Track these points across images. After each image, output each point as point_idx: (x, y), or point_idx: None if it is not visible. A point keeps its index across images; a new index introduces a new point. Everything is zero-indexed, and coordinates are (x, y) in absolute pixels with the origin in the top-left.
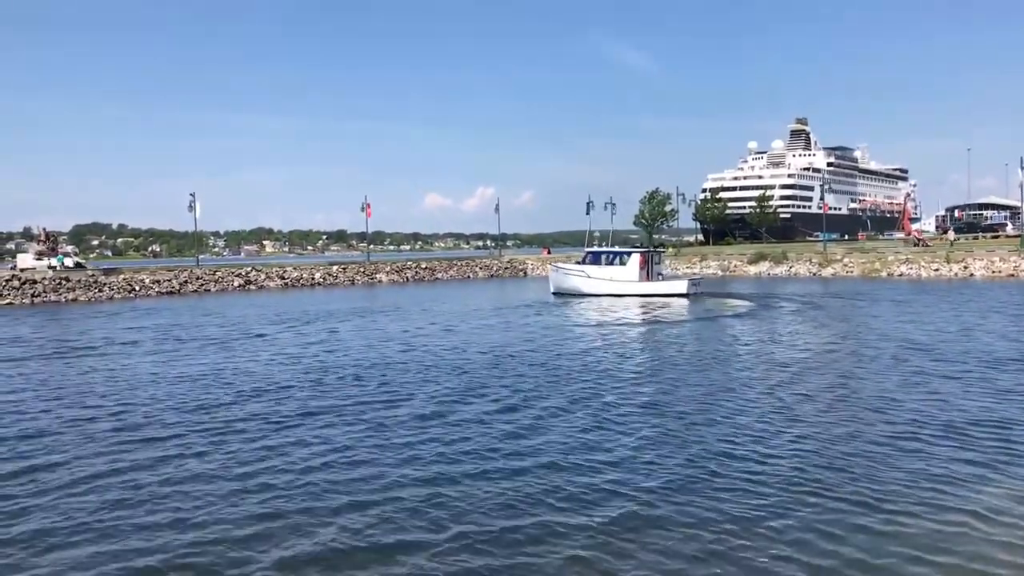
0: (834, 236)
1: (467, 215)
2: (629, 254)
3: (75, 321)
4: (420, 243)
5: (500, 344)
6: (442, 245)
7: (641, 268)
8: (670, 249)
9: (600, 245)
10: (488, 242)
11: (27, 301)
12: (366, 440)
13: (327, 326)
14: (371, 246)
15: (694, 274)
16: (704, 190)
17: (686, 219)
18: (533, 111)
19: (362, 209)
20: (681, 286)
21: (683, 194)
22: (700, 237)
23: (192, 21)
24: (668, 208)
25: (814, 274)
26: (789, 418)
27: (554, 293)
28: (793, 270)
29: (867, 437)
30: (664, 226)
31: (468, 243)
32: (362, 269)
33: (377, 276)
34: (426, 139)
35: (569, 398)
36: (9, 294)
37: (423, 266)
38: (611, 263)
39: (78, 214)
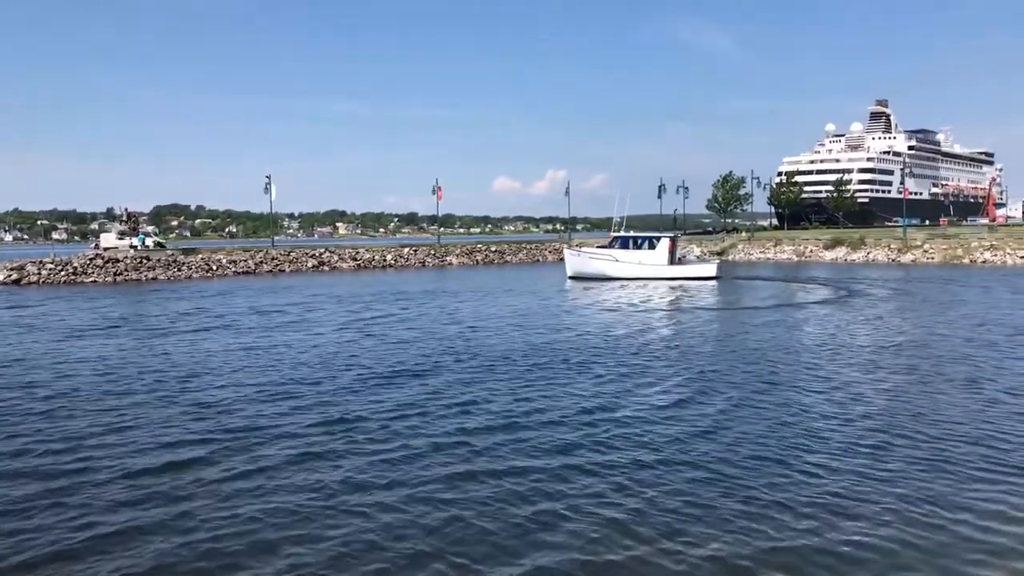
0: (914, 222)
1: (537, 198)
2: (659, 238)
3: (183, 299)
4: (490, 226)
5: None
6: (511, 229)
7: (670, 252)
8: (743, 233)
9: (622, 230)
10: (558, 226)
11: (110, 279)
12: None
13: (438, 303)
14: (441, 229)
15: (715, 258)
16: (779, 173)
17: (760, 203)
18: (606, 94)
19: (433, 192)
20: (710, 270)
21: (757, 178)
22: (774, 221)
23: (266, 8)
24: (742, 192)
25: (892, 260)
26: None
27: (571, 277)
28: (871, 256)
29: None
30: (738, 210)
31: (538, 227)
32: (433, 251)
33: (448, 259)
34: (497, 122)
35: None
36: (93, 272)
37: (493, 249)
38: (640, 247)
39: (158, 195)
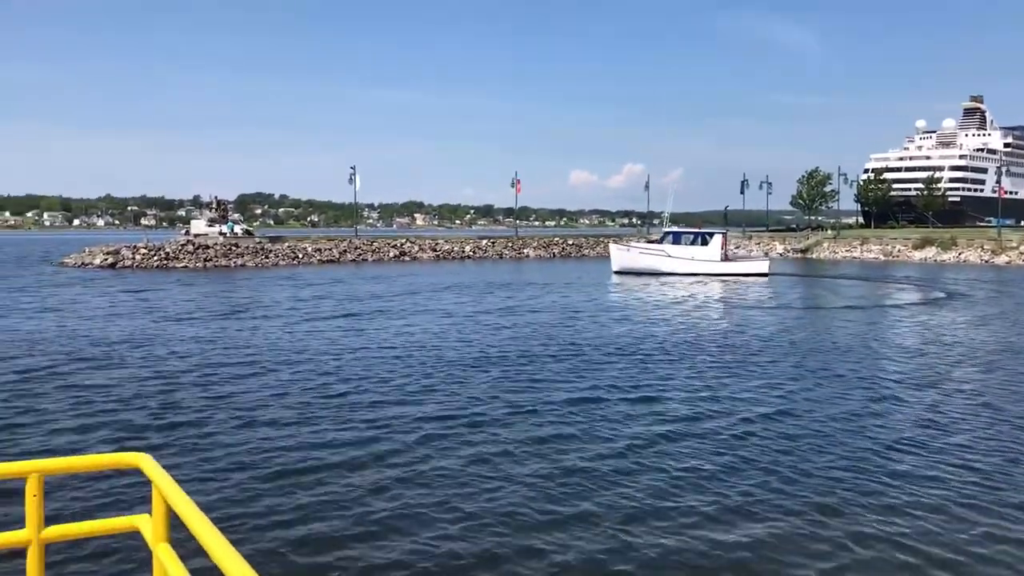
0: (1008, 222)
1: (613, 192)
2: (712, 235)
3: (297, 285)
4: (565, 219)
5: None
6: (587, 222)
7: (722, 248)
8: (828, 231)
9: (668, 225)
10: (635, 220)
11: (200, 265)
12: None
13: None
14: (517, 222)
15: (766, 255)
16: (866, 170)
17: (846, 201)
18: (684, 88)
19: (512, 185)
20: (763, 266)
21: (844, 174)
22: (860, 219)
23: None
24: (828, 188)
25: (985, 262)
26: None
27: (617, 272)
28: (963, 257)
29: None
30: (823, 207)
31: (613, 220)
32: (510, 243)
33: (525, 251)
34: (573, 116)
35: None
36: (184, 258)
37: (570, 242)
38: (693, 243)
39: (243, 184)
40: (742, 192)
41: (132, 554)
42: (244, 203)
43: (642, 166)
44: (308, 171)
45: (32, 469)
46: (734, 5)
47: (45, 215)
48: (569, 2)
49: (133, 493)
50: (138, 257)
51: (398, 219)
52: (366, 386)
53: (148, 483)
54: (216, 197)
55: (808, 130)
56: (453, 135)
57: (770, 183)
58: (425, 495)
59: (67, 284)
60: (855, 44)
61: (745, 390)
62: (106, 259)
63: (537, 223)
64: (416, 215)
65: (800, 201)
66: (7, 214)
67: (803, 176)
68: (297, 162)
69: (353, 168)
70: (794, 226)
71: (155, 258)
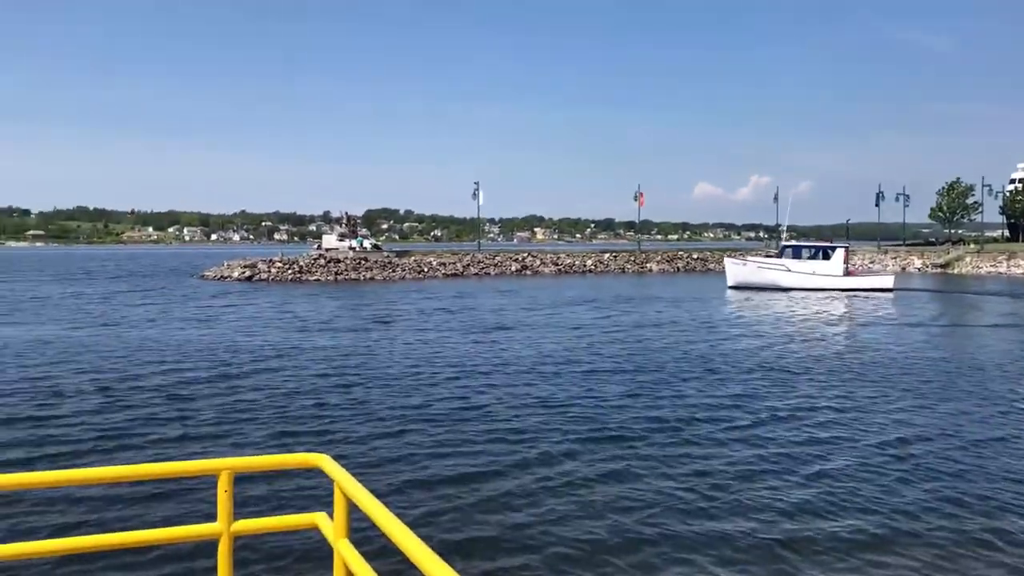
0: None
1: (738, 205)
2: (833, 248)
3: (431, 298)
4: (688, 233)
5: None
6: (711, 236)
7: (844, 262)
8: (971, 245)
9: (788, 239)
10: (762, 233)
11: (331, 278)
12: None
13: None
14: (639, 235)
15: (903, 270)
16: (1012, 180)
17: (990, 213)
18: (812, 98)
19: (635, 198)
20: (887, 281)
21: (989, 185)
22: (1006, 233)
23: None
24: (970, 200)
25: None
26: None
27: (732, 287)
28: None
29: None
30: (964, 220)
31: (739, 234)
32: (632, 257)
33: (647, 265)
34: (698, 128)
35: None
36: (317, 271)
37: (695, 256)
38: (813, 257)
39: (370, 199)
40: (877, 204)
41: (312, 550)
42: (371, 218)
43: (769, 178)
44: (432, 187)
45: (223, 467)
46: (862, 11)
47: (185, 230)
48: (689, 12)
49: (308, 492)
50: (273, 271)
51: (519, 233)
52: (507, 397)
53: (320, 483)
54: (346, 213)
55: (947, 140)
56: (573, 148)
57: (907, 195)
58: (578, 507)
59: (213, 296)
60: (997, 49)
61: (895, 409)
62: (244, 272)
63: (659, 236)
64: (536, 229)
65: (940, 214)
66: (151, 229)
67: (943, 188)
68: (422, 178)
69: (476, 183)
70: (932, 240)
71: (289, 272)
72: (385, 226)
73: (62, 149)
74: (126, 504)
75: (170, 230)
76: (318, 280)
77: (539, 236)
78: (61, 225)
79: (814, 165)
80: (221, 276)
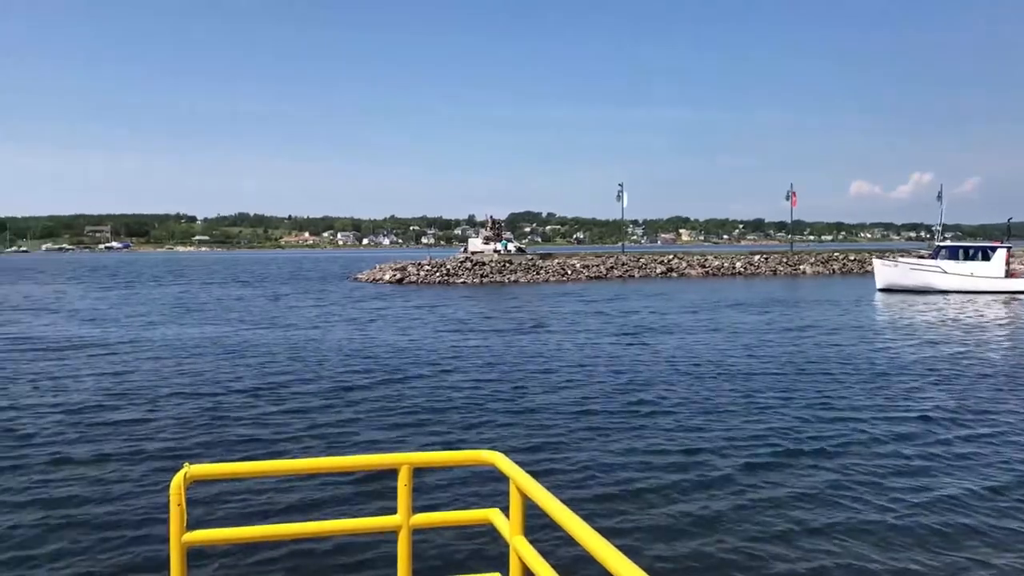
0: None
1: (896, 204)
2: (994, 249)
3: (583, 300)
4: (843, 233)
5: None
6: (868, 236)
7: (1006, 264)
8: None
9: (945, 239)
10: (923, 233)
11: (477, 281)
12: None
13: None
14: (790, 236)
15: None
16: None
17: None
18: (987, 90)
19: (787, 198)
20: None
21: None
22: None
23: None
24: None
25: None
26: None
27: (882, 290)
28: None
29: None
30: None
31: (899, 234)
32: (784, 259)
33: (800, 267)
34: (853, 124)
35: None
36: (463, 274)
37: (851, 257)
38: (971, 258)
39: (513, 203)
40: None
41: (485, 546)
42: (514, 221)
43: (931, 175)
44: (574, 189)
45: (403, 461)
46: None
47: (338, 235)
48: (836, 11)
49: (477, 488)
50: (422, 273)
51: (663, 235)
52: (671, 400)
53: (491, 479)
54: (491, 216)
55: None
56: (719, 149)
57: None
58: (778, 525)
59: (368, 299)
60: None
61: None
62: (394, 275)
63: (812, 237)
64: (681, 231)
65: None
66: (306, 234)
67: None
68: (563, 181)
69: (620, 185)
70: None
71: (437, 274)
72: (528, 229)
73: (226, 159)
74: (309, 495)
75: (324, 235)
76: (464, 282)
77: (684, 238)
78: (224, 231)
79: (981, 161)
80: (373, 279)
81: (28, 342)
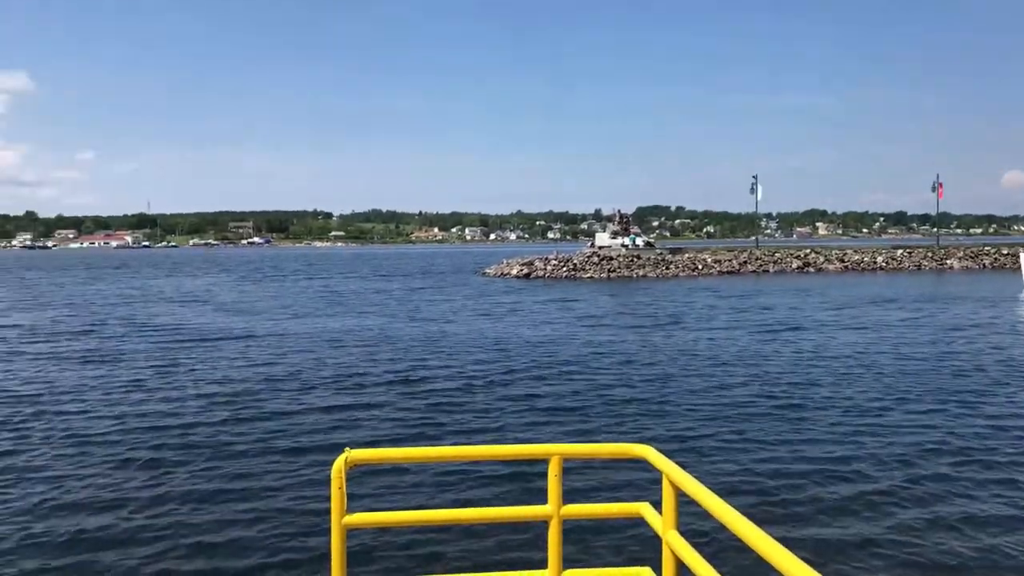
0: None
1: None
2: None
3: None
4: (994, 226)
5: None
6: (1022, 229)
7: None
8: None
9: None
10: None
11: (604, 276)
12: None
13: None
14: (934, 229)
15: None
16: None
17: None
18: None
19: (933, 189)
20: None
21: None
22: None
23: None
24: None
25: None
26: None
27: None
28: None
29: None
30: None
31: None
32: (930, 253)
33: (947, 262)
34: (1009, 111)
35: None
36: (590, 269)
37: (1004, 251)
38: None
39: (640, 196)
40: None
41: (634, 539)
42: (641, 215)
43: None
44: (704, 182)
45: (554, 452)
46: None
47: (466, 230)
48: None
49: (622, 481)
50: (549, 268)
51: (798, 228)
52: (815, 402)
53: (643, 473)
54: (619, 211)
55: None
56: (859, 138)
57: None
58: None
59: (498, 293)
60: None
61: None
62: (521, 270)
63: (959, 231)
64: (818, 224)
65: None
66: (436, 230)
67: None
68: (693, 173)
69: (755, 177)
70: None
71: (564, 269)
72: (656, 223)
73: (360, 157)
74: (461, 482)
75: (453, 230)
76: (591, 277)
77: (821, 231)
78: (358, 226)
79: None
80: (501, 273)
81: (182, 332)
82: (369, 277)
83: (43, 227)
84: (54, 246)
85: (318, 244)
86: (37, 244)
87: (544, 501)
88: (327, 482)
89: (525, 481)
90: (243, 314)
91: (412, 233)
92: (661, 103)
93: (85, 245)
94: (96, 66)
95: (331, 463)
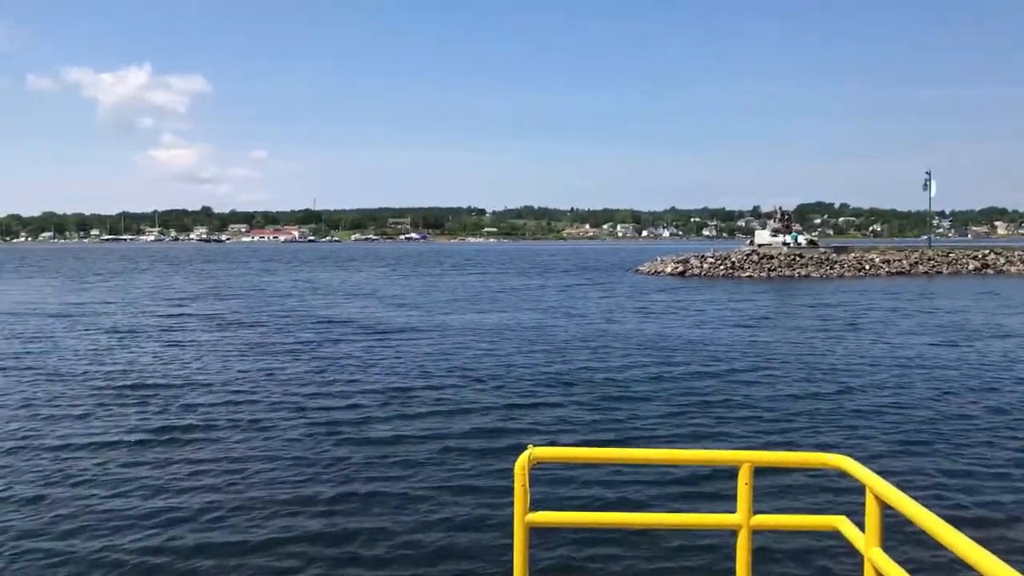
0: None
1: None
2: None
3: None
4: None
5: None
6: None
7: None
8: None
9: None
10: None
11: (763, 275)
12: None
13: None
14: None
15: None
16: None
17: None
18: None
19: None
20: None
21: None
22: None
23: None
24: None
25: None
26: None
27: None
28: None
29: None
30: None
31: None
32: None
33: None
34: None
35: None
36: (748, 268)
37: None
38: None
39: (802, 193)
40: None
41: (824, 553)
42: (803, 213)
43: None
44: (870, 179)
45: (745, 459)
46: None
47: (618, 227)
48: None
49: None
50: (705, 266)
51: (974, 228)
52: (1014, 416)
53: (833, 484)
54: (779, 207)
55: None
56: None
57: None
58: None
59: (654, 291)
60: None
61: None
62: (676, 268)
63: None
64: (996, 223)
65: None
66: (587, 226)
67: None
68: (858, 170)
69: (928, 173)
70: None
71: (721, 267)
72: (818, 221)
73: (512, 155)
74: (643, 485)
75: (604, 227)
76: (750, 276)
77: (1000, 231)
78: (510, 223)
79: None
80: (654, 271)
81: (351, 325)
82: (522, 273)
83: (218, 221)
84: (227, 239)
85: (471, 240)
86: (212, 237)
87: (724, 509)
88: (492, 475)
89: (697, 486)
90: (407, 307)
91: (563, 230)
92: (827, 98)
93: (255, 239)
94: (266, 71)
95: (497, 458)
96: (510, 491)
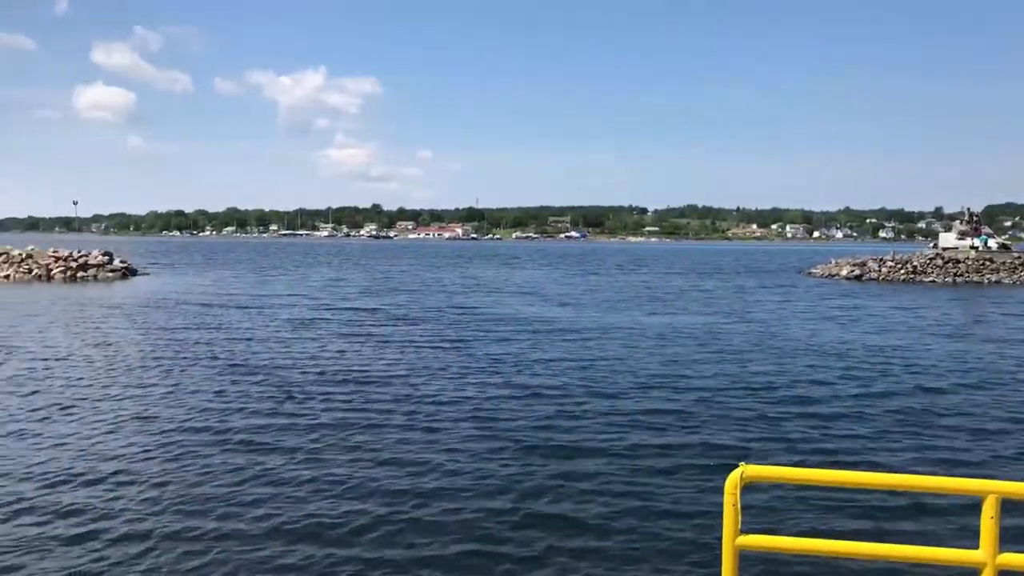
0: None
1: None
2: None
3: None
4: None
5: None
6: None
7: None
8: None
9: None
10: None
11: (949, 280)
12: None
13: None
14: None
15: None
16: None
17: None
18: None
19: None
20: None
21: None
22: None
23: None
24: None
25: None
26: None
27: None
28: None
29: None
30: None
31: None
32: None
33: None
34: None
35: None
36: (932, 272)
37: None
38: None
39: (990, 194)
40: None
41: None
42: (991, 214)
43: None
44: None
45: (990, 490)
46: None
47: (787, 227)
48: None
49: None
50: (884, 269)
51: None
52: None
53: None
54: (967, 209)
55: None
56: None
57: None
58: None
59: (833, 295)
60: None
61: None
62: (852, 271)
63: None
64: None
65: None
66: (754, 226)
67: None
68: None
69: None
70: None
71: (901, 271)
72: (1009, 223)
73: (678, 153)
74: (865, 511)
75: (772, 227)
76: (933, 281)
77: None
78: (672, 222)
79: None
80: (828, 274)
81: (513, 322)
82: (687, 273)
83: (386, 218)
84: (395, 236)
85: (632, 239)
86: (380, 234)
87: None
88: (687, 494)
89: (923, 517)
90: (570, 306)
91: (728, 229)
92: (1007, 93)
93: (421, 236)
94: (433, 74)
95: (692, 475)
96: (704, 512)
